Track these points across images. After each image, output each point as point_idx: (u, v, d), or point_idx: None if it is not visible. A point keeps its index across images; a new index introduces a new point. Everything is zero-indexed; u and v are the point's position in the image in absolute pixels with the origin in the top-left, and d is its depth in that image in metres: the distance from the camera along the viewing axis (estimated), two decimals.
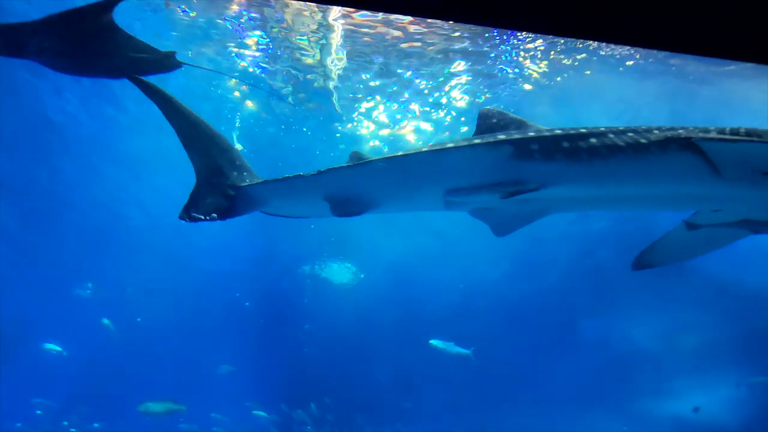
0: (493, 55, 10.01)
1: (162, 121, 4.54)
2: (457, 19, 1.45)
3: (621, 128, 3.59)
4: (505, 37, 9.48)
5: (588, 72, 11.10)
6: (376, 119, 11.61)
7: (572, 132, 3.64)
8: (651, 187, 3.60)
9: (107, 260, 16.18)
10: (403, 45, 9.37)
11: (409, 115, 11.51)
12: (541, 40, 9.75)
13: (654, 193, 3.69)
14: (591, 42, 10.63)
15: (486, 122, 4.24)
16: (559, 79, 10.98)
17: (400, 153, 4.09)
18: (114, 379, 17.02)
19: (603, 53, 11.10)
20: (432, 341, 14.00)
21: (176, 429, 14.39)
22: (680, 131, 3.32)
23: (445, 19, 1.49)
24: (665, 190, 3.61)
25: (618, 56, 11.25)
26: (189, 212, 4.35)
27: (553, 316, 15.21)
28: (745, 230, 3.73)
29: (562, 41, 10.08)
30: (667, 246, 4.42)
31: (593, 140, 3.50)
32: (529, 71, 10.68)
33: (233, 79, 10.14)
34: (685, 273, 13.77)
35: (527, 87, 11.08)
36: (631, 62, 11.49)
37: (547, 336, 15.39)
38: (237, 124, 11.80)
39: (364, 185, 4.05)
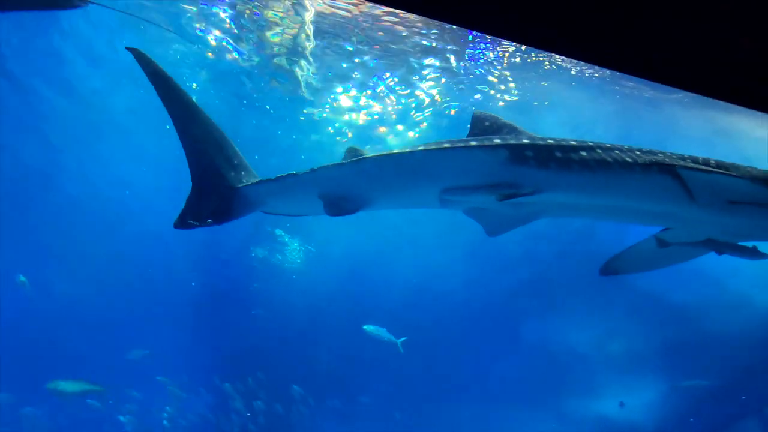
0: (461, 64, 10.18)
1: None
2: (434, 17, 1.43)
3: (608, 145, 3.84)
4: (477, 41, 9.64)
5: (545, 83, 11.52)
6: (342, 105, 11.47)
7: (564, 143, 3.85)
8: (633, 203, 3.89)
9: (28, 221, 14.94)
10: (378, 34, 9.29)
11: (376, 105, 11.48)
12: (509, 47, 10.00)
13: (635, 208, 3.99)
14: (554, 55, 11.06)
15: (479, 125, 4.33)
16: (514, 87, 11.30)
17: (396, 151, 4.10)
18: (25, 348, 15.66)
19: (565, 66, 11.55)
20: (365, 327, 13.92)
21: (84, 405, 13.25)
22: (659, 155, 3.67)
23: (426, 15, 1.45)
24: (645, 207, 3.93)
25: (576, 72, 11.78)
26: (184, 219, 4.16)
27: (498, 316, 15.77)
28: (709, 249, 4.09)
29: (524, 49, 10.39)
30: (634, 256, 4.72)
31: (584, 153, 3.75)
32: (494, 76, 10.95)
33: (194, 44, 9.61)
34: (620, 284, 14.73)
35: (491, 91, 11.33)
36: (590, 78, 12.05)
37: (491, 335, 15.94)
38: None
39: (358, 183, 4.03)
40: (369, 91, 11.07)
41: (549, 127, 12.81)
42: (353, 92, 11.02)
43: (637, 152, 3.72)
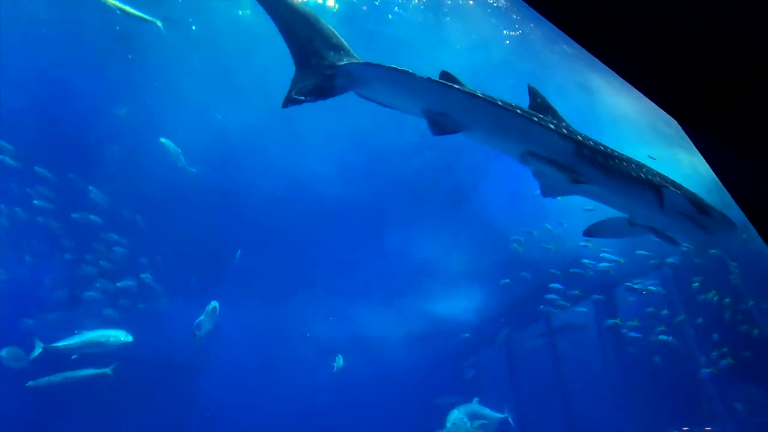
0: None
1: None
2: None
3: (627, 157, 5.34)
4: None
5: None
6: None
7: (602, 148, 5.21)
8: (630, 201, 5.42)
9: None
10: None
11: None
12: None
13: (630, 205, 5.53)
14: None
15: (534, 100, 5.39)
16: None
17: (500, 102, 4.71)
18: None
19: None
20: (161, 139, 13.11)
21: None
22: (654, 177, 5.33)
23: None
24: (635, 206, 5.48)
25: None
26: (290, 96, 4.43)
27: (364, 219, 16.85)
28: (648, 232, 5.94)
29: None
30: (607, 226, 6.26)
31: (611, 162, 5.18)
32: None
33: None
34: (469, 208, 16.89)
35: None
36: (497, 2, 12.44)
37: (355, 234, 17.08)
38: None
39: (465, 112, 4.63)
40: None
41: (450, 34, 13.28)
42: None
43: (634, 165, 5.35)
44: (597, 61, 2.25)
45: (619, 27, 1.76)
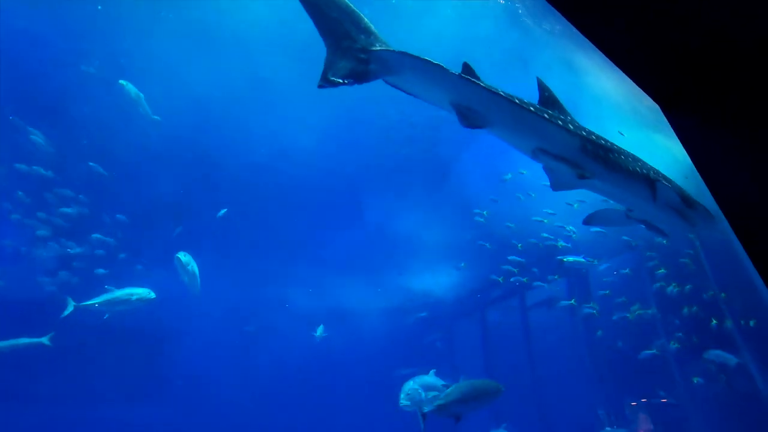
0: None
1: None
2: None
3: (624, 150, 5.62)
4: None
5: None
6: None
7: (603, 143, 5.46)
8: (627, 194, 5.72)
9: None
10: None
11: None
12: None
13: (627, 198, 5.82)
14: None
15: (542, 94, 5.59)
16: None
17: (517, 100, 4.83)
18: None
19: None
20: (121, 81, 12.57)
21: None
22: (650, 171, 5.68)
23: None
24: (631, 198, 5.79)
25: None
26: (326, 77, 4.39)
27: (343, 193, 16.76)
28: (640, 223, 6.25)
29: None
30: (604, 216, 6.53)
31: (611, 155, 5.44)
32: None
33: None
34: (449, 185, 17.01)
35: None
36: None
37: (335, 207, 17.07)
38: None
39: (488, 108, 4.78)
40: None
41: (439, 2, 13.05)
42: None
43: (631, 159, 5.64)
44: (584, 40, 2.24)
45: (611, 9, 1.74)
